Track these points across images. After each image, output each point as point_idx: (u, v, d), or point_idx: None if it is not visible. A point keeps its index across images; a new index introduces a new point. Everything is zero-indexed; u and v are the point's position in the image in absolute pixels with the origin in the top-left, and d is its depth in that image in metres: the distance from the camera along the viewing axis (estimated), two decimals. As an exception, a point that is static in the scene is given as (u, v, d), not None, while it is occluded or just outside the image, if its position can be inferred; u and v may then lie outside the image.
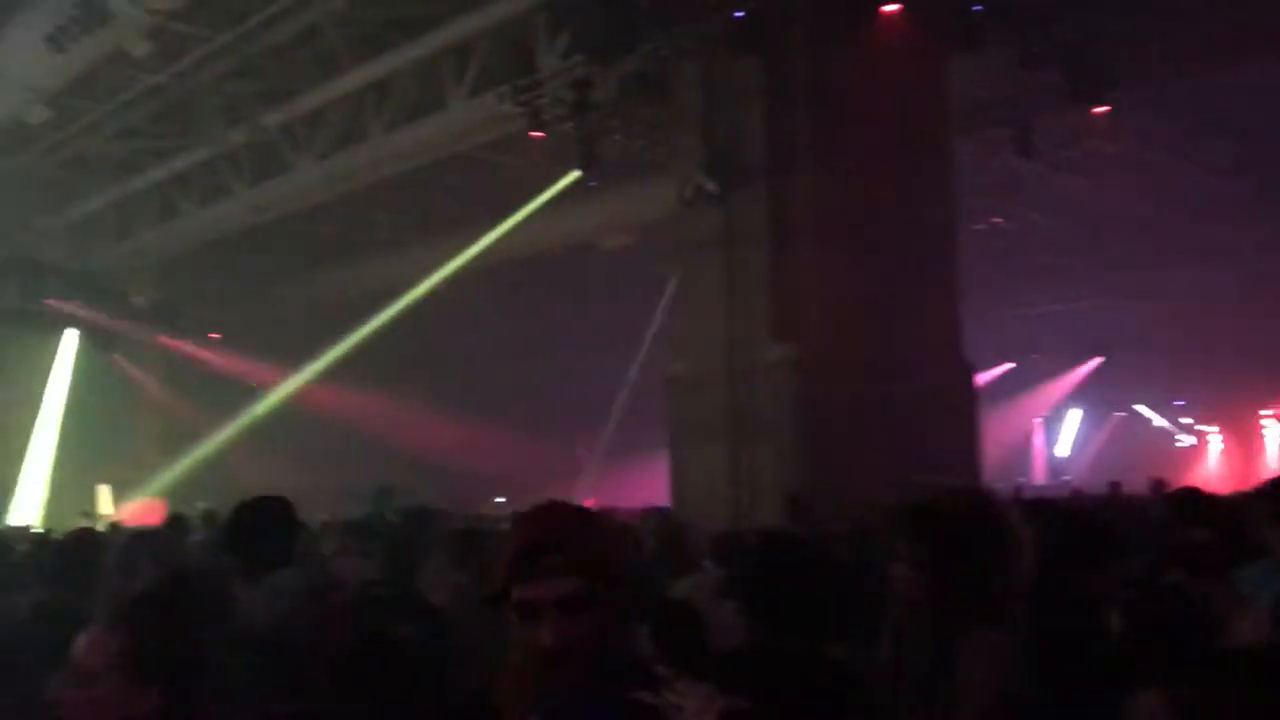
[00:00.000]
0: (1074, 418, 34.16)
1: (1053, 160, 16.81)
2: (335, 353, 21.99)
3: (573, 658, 1.91)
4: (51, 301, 21.37)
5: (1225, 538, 4.82)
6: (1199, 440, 32.98)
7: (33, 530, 14.16)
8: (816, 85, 11.81)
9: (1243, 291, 23.20)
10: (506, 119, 14.06)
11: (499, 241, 18.94)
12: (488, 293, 22.75)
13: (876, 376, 11.38)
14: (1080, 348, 30.22)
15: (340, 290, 22.83)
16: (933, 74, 12.58)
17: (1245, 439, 31.58)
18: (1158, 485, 13.37)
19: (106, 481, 20.87)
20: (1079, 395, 32.71)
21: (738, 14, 11.58)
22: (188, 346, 23.24)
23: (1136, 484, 15.03)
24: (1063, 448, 34.36)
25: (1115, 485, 15.37)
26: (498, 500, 20.46)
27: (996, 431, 23.12)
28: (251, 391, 22.99)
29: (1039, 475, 32.06)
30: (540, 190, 17.33)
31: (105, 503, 20.25)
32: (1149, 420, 33.08)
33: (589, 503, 11.69)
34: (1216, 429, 32.54)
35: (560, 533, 1.99)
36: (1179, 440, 33.04)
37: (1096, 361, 30.87)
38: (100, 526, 10.45)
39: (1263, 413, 31.16)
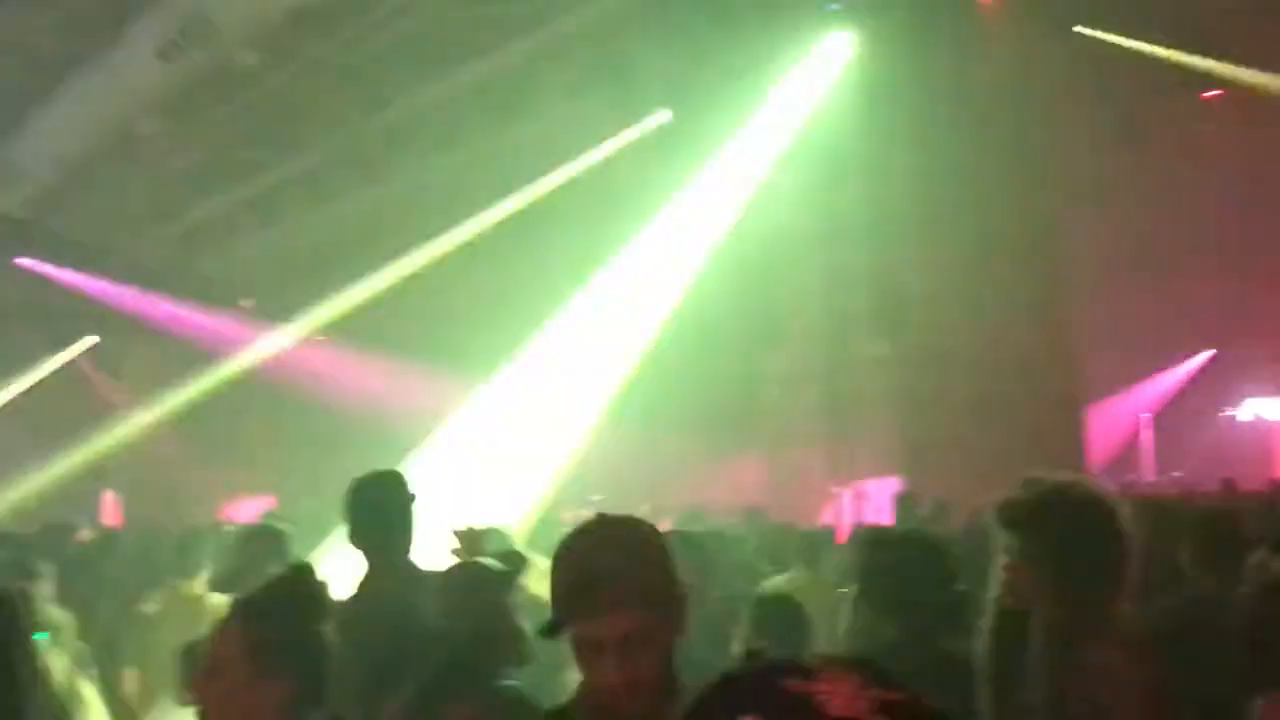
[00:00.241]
0: (1181, 412, 33.14)
1: (1158, 147, 16.36)
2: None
3: (641, 688, 1.88)
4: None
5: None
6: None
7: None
8: (919, 78, 11.66)
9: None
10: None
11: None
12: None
13: (981, 372, 11.21)
14: (1191, 341, 29.34)
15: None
16: (1039, 61, 12.35)
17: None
18: (1228, 485, 12.92)
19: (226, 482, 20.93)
20: (1189, 389, 31.75)
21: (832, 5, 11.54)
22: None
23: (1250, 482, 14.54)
24: (1172, 443, 33.37)
25: (1229, 482, 14.87)
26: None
27: (1104, 426, 22.52)
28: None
29: (1148, 472, 31.18)
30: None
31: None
32: (1261, 415, 31.95)
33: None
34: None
35: (615, 563, 1.91)
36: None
37: (1208, 354, 29.93)
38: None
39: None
